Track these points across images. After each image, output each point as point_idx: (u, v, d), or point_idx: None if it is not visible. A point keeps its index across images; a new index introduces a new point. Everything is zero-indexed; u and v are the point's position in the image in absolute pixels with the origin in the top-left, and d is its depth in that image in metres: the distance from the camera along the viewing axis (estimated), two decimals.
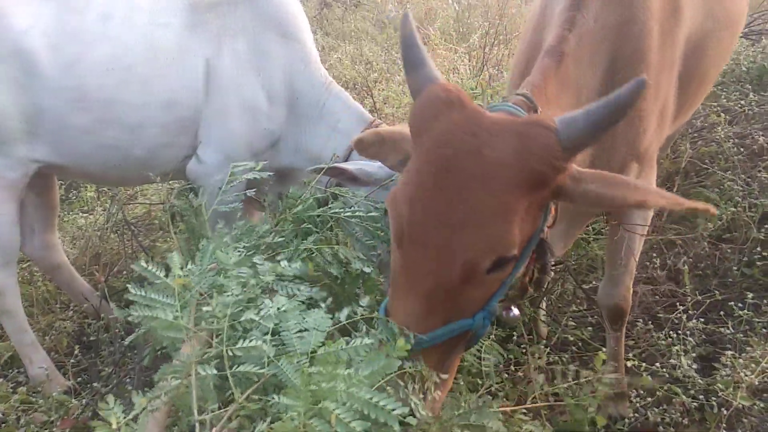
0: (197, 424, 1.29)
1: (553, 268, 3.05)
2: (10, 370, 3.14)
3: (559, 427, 2.55)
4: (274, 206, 2.35)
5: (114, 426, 1.22)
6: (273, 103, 2.90)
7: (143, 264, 1.54)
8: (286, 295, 1.49)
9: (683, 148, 3.56)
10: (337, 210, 1.97)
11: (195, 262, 1.61)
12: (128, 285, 1.56)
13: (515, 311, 1.82)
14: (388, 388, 1.23)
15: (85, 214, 4.44)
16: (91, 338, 3.30)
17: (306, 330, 1.33)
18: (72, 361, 3.12)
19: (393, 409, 1.15)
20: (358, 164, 2.63)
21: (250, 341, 1.32)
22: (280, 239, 1.86)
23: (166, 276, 1.55)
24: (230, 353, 1.35)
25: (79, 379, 3.08)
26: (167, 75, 2.78)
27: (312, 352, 1.28)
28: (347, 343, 1.28)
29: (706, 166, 3.54)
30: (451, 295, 1.43)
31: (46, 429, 2.65)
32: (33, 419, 2.70)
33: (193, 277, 1.52)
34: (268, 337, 1.32)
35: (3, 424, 2.69)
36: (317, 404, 1.18)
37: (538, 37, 2.06)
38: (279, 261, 1.65)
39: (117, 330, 3.08)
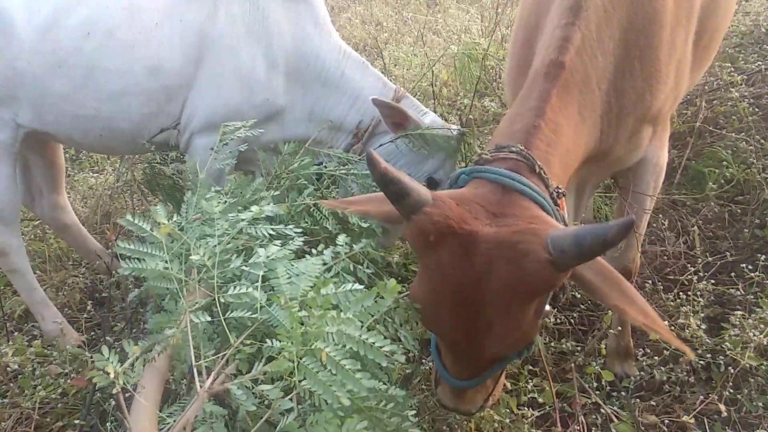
0: (194, 370, 1.31)
1: None
2: (25, 324, 3.20)
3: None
4: (268, 163, 2.32)
5: (111, 375, 1.23)
6: (274, 72, 2.68)
7: (129, 218, 1.54)
8: (272, 240, 1.49)
9: (698, 107, 3.50)
10: (333, 167, 1.96)
11: (180, 214, 1.62)
12: (117, 241, 1.57)
13: (546, 307, 1.90)
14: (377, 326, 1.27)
15: (95, 174, 4.46)
16: (104, 294, 3.35)
17: (296, 275, 1.33)
18: (85, 316, 3.18)
19: (381, 347, 1.18)
20: (416, 114, 2.64)
21: (241, 288, 1.34)
22: (275, 193, 1.86)
23: (153, 230, 1.56)
24: (222, 300, 1.36)
25: (92, 333, 3.14)
26: (152, 40, 2.60)
27: (302, 296, 1.29)
28: (336, 287, 1.29)
29: (720, 127, 3.48)
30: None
31: (60, 380, 2.70)
32: (48, 371, 2.76)
33: (178, 228, 1.53)
34: (259, 284, 1.33)
35: (20, 375, 2.76)
36: (309, 345, 1.20)
37: (531, 51, 2.01)
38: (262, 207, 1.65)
39: (128, 286, 3.11)
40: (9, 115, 2.68)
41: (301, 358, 1.20)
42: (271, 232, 1.58)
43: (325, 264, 1.43)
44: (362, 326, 1.20)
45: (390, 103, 2.59)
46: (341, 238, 1.51)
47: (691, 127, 3.48)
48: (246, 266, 1.41)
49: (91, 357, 2.76)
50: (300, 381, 1.20)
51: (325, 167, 2.10)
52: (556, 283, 1.49)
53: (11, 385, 2.72)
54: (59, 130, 2.78)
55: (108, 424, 2.37)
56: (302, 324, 1.21)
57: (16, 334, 3.04)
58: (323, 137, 2.74)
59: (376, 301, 1.19)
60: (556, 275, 1.44)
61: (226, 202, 1.67)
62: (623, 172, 2.35)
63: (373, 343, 1.18)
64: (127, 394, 1.41)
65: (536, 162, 1.63)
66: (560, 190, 1.66)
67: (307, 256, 1.42)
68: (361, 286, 1.26)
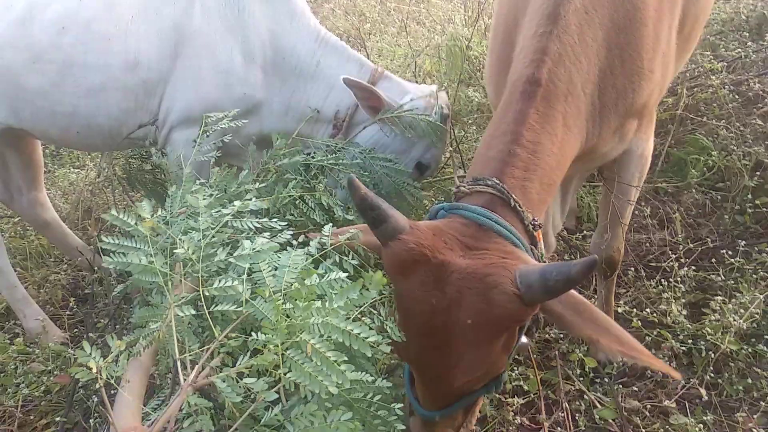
0: (178, 363, 1.30)
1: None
2: (7, 322, 3.16)
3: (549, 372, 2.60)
4: (255, 156, 2.29)
5: (94, 370, 1.22)
6: (251, 66, 2.64)
7: (114, 213, 1.52)
8: (261, 235, 1.48)
9: (679, 94, 3.53)
10: (321, 158, 1.95)
11: (165, 208, 1.61)
12: (101, 236, 1.55)
13: (523, 339, 1.93)
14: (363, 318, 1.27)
15: (76, 170, 4.41)
16: (86, 291, 3.32)
17: (280, 267, 1.33)
18: (67, 313, 3.16)
19: (366, 337, 1.19)
20: (390, 96, 2.56)
21: (226, 282, 1.33)
22: (262, 186, 1.85)
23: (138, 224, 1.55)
24: (207, 294, 1.35)
25: (75, 330, 3.11)
26: (129, 33, 2.56)
27: (286, 289, 1.28)
28: (321, 277, 1.29)
29: (701, 114, 3.51)
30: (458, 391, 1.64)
31: (43, 377, 2.68)
32: (31, 369, 2.74)
33: (162, 222, 1.52)
34: (244, 277, 1.32)
35: (2, 373, 2.73)
36: (294, 337, 1.20)
37: (511, 48, 1.99)
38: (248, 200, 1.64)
39: (111, 283, 3.08)
40: None
41: (286, 350, 1.20)
42: (257, 225, 1.57)
43: (310, 255, 1.43)
44: (348, 317, 1.20)
45: (359, 82, 2.50)
46: (327, 228, 1.51)
47: (672, 115, 3.51)
48: (231, 259, 1.41)
49: (74, 354, 2.74)
50: (285, 373, 1.20)
51: (312, 157, 2.08)
52: (524, 318, 1.51)
53: None
54: (36, 127, 2.74)
55: (91, 420, 2.37)
56: (287, 316, 1.21)
57: None
58: (304, 129, 2.70)
59: (361, 293, 1.18)
60: (524, 309, 1.45)
61: (212, 195, 1.65)
62: (608, 164, 2.35)
63: (359, 333, 1.18)
64: (112, 391, 1.41)
65: (511, 196, 1.62)
66: (536, 222, 1.65)
67: (289, 248, 1.41)
68: (346, 275, 1.26)
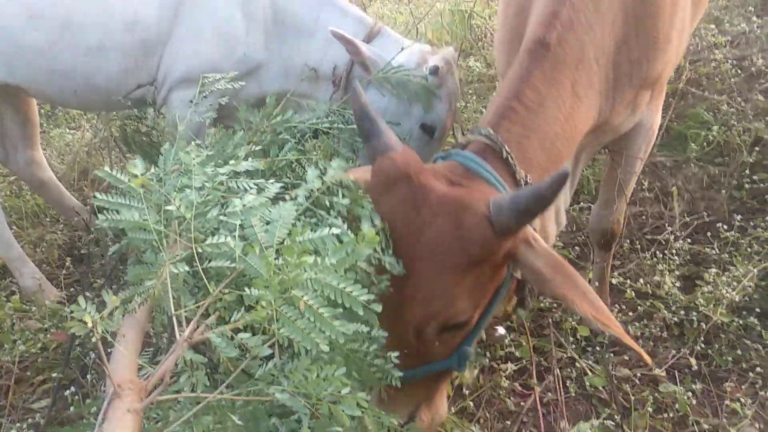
0: (174, 318, 1.31)
1: None
2: (3, 280, 3.17)
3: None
4: (249, 117, 2.26)
5: (89, 324, 1.22)
6: (252, 26, 2.59)
7: (107, 169, 1.51)
8: (250, 191, 1.47)
9: (682, 68, 3.50)
10: (315, 121, 1.92)
11: (158, 166, 1.60)
12: (95, 194, 1.54)
13: (501, 331, 1.93)
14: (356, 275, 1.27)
15: (72, 131, 4.37)
16: (82, 251, 3.33)
17: (272, 222, 1.33)
18: (64, 273, 3.16)
19: (359, 295, 1.19)
20: (376, 51, 2.45)
21: (218, 238, 1.33)
22: (257, 148, 1.84)
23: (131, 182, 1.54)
24: (200, 251, 1.35)
25: (72, 290, 3.12)
26: None
27: (278, 244, 1.28)
28: (313, 231, 1.29)
29: (702, 88, 3.49)
30: (420, 346, 1.55)
31: (40, 335, 2.70)
32: (27, 326, 2.75)
33: (155, 180, 1.52)
34: (237, 232, 1.32)
35: None
36: (286, 293, 1.20)
37: (524, 20, 1.92)
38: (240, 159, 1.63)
39: (108, 243, 3.08)
40: None
41: (279, 307, 1.20)
42: (252, 186, 1.56)
43: (300, 206, 1.42)
44: (340, 274, 1.20)
45: (343, 35, 2.41)
46: (311, 173, 1.49)
47: (674, 89, 3.49)
48: (222, 217, 1.40)
49: (70, 312, 2.75)
50: (279, 329, 1.21)
51: (308, 120, 2.05)
52: (494, 250, 1.45)
53: None
54: (32, 86, 2.71)
55: (88, 376, 2.39)
56: (279, 271, 1.21)
57: None
58: (305, 90, 2.67)
59: (354, 250, 1.18)
60: (494, 238, 1.43)
61: (204, 153, 1.64)
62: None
63: (350, 292, 1.18)
64: (109, 350, 1.42)
65: (503, 147, 1.60)
66: (530, 181, 1.62)
67: (281, 202, 1.40)
68: (338, 230, 1.25)
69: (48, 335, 2.71)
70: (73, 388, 2.36)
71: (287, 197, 1.49)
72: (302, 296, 1.17)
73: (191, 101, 2.16)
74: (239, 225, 1.32)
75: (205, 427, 1.35)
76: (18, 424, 2.34)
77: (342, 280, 1.19)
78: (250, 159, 1.60)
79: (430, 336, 1.54)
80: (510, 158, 1.60)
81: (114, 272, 2.90)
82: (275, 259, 1.24)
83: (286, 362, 1.24)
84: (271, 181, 1.66)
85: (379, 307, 1.22)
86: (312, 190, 1.45)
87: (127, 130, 2.61)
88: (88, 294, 2.82)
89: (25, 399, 2.56)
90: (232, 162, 1.56)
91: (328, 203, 1.45)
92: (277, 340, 1.21)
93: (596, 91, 1.81)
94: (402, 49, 2.54)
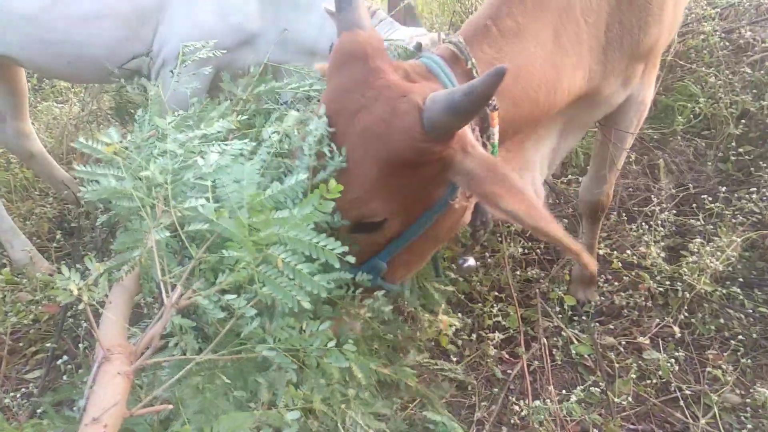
0: (161, 285, 1.32)
1: None
2: None
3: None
4: (231, 88, 2.26)
5: (75, 291, 1.24)
6: None
7: (82, 140, 1.52)
8: (219, 150, 1.47)
9: (671, 40, 3.50)
10: (297, 85, 1.91)
11: (134, 132, 1.61)
12: (75, 165, 1.55)
13: (470, 262, 1.86)
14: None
15: (59, 104, 4.34)
16: (72, 224, 3.33)
17: (239, 182, 1.33)
18: (54, 245, 3.17)
19: (333, 248, 1.20)
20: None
21: (191, 202, 1.34)
22: (243, 118, 1.83)
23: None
24: (179, 215, 1.36)
25: (63, 262, 3.12)
26: None
27: (248, 203, 1.28)
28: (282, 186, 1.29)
29: (691, 61, 3.50)
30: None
31: (32, 307, 2.71)
32: (18, 298, 2.77)
33: (133, 147, 1.52)
34: (209, 194, 1.32)
35: None
36: (263, 252, 1.22)
37: None
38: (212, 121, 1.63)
39: (98, 216, 3.08)
40: None
41: (257, 266, 1.22)
42: (224, 147, 1.56)
43: (264, 162, 1.43)
44: (310, 228, 1.21)
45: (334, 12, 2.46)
46: (265, 132, 1.49)
47: (662, 61, 3.49)
48: (192, 179, 1.41)
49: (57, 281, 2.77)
50: (261, 288, 1.23)
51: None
52: (422, 150, 1.37)
53: None
54: (23, 55, 2.68)
55: (81, 345, 2.41)
56: (256, 230, 1.22)
57: None
58: (302, 66, 2.68)
59: (321, 203, 1.18)
60: (422, 135, 1.35)
61: (179, 116, 1.65)
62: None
63: (325, 245, 1.19)
64: (98, 318, 1.43)
65: (470, 58, 1.55)
66: (493, 102, 1.55)
67: (242, 160, 1.41)
68: (303, 176, 1.26)
69: (40, 307, 2.73)
70: (65, 357, 2.38)
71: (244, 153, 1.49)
72: (278, 255, 1.19)
73: (171, 71, 2.15)
74: (210, 186, 1.33)
75: (194, 387, 1.38)
76: (12, 394, 2.37)
77: (314, 235, 1.20)
78: (220, 121, 1.59)
79: (343, 228, 1.46)
80: (474, 70, 1.55)
81: (104, 244, 2.91)
82: (248, 218, 1.24)
83: (271, 321, 1.26)
84: (235, 140, 1.66)
85: (353, 259, 1.23)
86: (271, 145, 1.46)
87: (120, 100, 2.60)
88: (78, 266, 2.83)
89: (18, 370, 2.58)
90: (203, 125, 1.57)
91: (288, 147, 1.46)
92: (259, 299, 1.24)
93: (585, 50, 1.78)
94: (397, 29, 2.59)
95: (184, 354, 1.43)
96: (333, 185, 1.17)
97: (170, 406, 1.27)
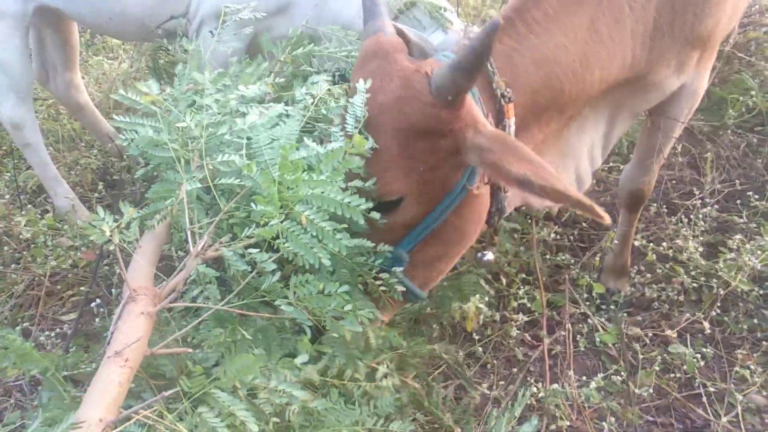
0: (188, 233, 1.35)
1: None
2: (38, 198, 3.29)
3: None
4: (271, 48, 2.26)
5: (107, 232, 1.28)
6: None
7: (122, 92, 1.56)
8: (258, 113, 1.50)
9: (731, 30, 3.35)
10: (333, 50, 1.92)
11: (174, 86, 1.64)
12: (113, 115, 1.60)
13: (489, 255, 1.90)
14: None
15: (110, 61, 4.43)
16: (115, 177, 3.42)
17: (276, 140, 1.36)
18: (96, 196, 3.27)
19: (357, 205, 1.21)
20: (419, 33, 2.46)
21: (226, 156, 1.38)
22: (280, 80, 1.85)
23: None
24: (211, 167, 1.39)
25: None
26: None
27: (282, 161, 1.31)
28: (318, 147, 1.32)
29: (750, 54, 3.35)
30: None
31: (71, 252, 2.81)
32: (59, 243, 2.87)
33: (171, 100, 1.56)
34: (244, 151, 1.36)
35: (33, 245, 2.87)
36: (289, 209, 1.24)
37: None
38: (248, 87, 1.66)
39: (138, 170, 3.16)
40: None
41: (282, 222, 1.24)
42: (263, 110, 1.58)
43: (299, 121, 1.45)
44: (338, 186, 1.23)
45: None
46: (298, 92, 1.51)
47: (720, 52, 3.35)
48: (227, 136, 1.44)
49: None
50: (284, 244, 1.24)
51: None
52: (434, 118, 1.41)
53: (24, 253, 2.84)
54: (69, 8, 2.77)
55: (113, 290, 2.50)
56: (284, 187, 1.24)
57: (29, 206, 3.14)
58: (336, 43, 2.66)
59: (345, 159, 1.20)
60: (433, 104, 1.40)
61: (216, 72, 1.68)
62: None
63: (349, 203, 1.20)
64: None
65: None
66: (508, 94, 1.57)
67: (284, 119, 1.43)
68: (338, 145, 1.27)
69: (79, 253, 2.83)
70: (98, 301, 2.46)
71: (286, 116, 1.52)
72: (303, 212, 1.20)
73: (210, 32, 2.18)
74: (246, 144, 1.35)
75: (216, 339, 1.42)
76: (46, 333, 2.47)
77: (339, 192, 1.22)
78: (258, 84, 1.61)
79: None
80: (489, 65, 1.55)
81: (142, 198, 2.98)
82: (280, 175, 1.26)
83: (290, 275, 1.28)
84: (271, 104, 1.68)
85: (377, 215, 1.25)
86: (305, 107, 1.48)
87: (156, 57, 2.64)
88: (117, 217, 2.92)
89: (55, 311, 2.69)
90: (241, 87, 1.59)
91: (325, 112, 1.48)
92: (281, 254, 1.26)
93: (627, 34, 1.72)
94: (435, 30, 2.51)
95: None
96: (357, 139, 1.18)
97: (189, 350, 1.31)
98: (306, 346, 1.28)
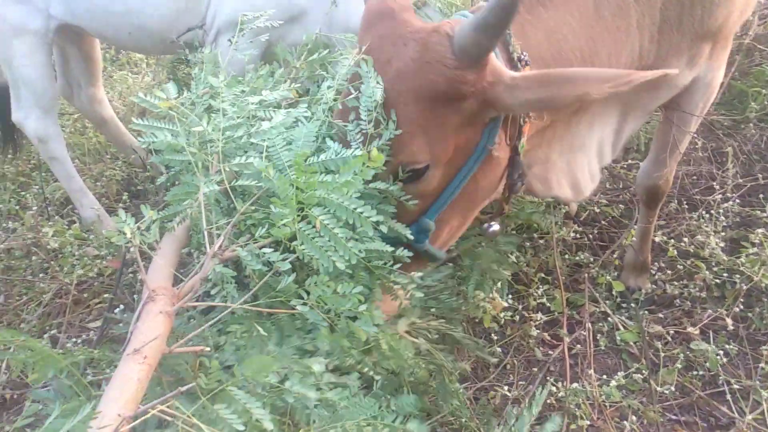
0: (205, 234, 1.39)
1: None
2: (65, 209, 3.38)
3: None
4: (287, 55, 2.30)
5: (128, 234, 1.32)
6: None
7: (141, 95, 1.60)
8: (283, 114, 1.53)
9: (750, 22, 3.31)
10: (347, 55, 1.94)
11: (191, 90, 1.67)
12: (132, 119, 1.64)
13: (495, 226, 1.87)
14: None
15: (134, 75, 4.55)
16: (139, 188, 3.50)
17: (293, 142, 1.38)
18: (121, 206, 3.34)
19: (368, 216, 1.23)
20: None
21: (244, 159, 1.40)
22: (296, 85, 1.89)
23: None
24: (228, 170, 1.42)
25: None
26: None
27: (298, 163, 1.33)
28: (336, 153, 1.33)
29: None
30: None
31: (97, 261, 2.88)
32: (85, 252, 2.94)
33: (188, 104, 1.59)
34: (264, 153, 1.38)
35: (60, 255, 2.95)
36: (304, 212, 1.26)
37: None
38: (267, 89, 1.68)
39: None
40: (42, 4, 2.76)
41: (298, 224, 1.26)
42: (283, 113, 1.62)
43: (320, 121, 1.47)
44: (352, 195, 1.24)
45: None
46: (324, 86, 1.53)
47: (739, 44, 3.31)
48: (251, 138, 1.47)
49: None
50: (300, 246, 1.27)
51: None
52: (456, 79, 1.37)
53: (52, 263, 2.92)
54: (91, 26, 2.86)
55: (136, 297, 2.55)
56: (300, 190, 1.26)
57: (56, 218, 3.23)
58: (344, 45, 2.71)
59: (362, 169, 1.21)
60: (456, 65, 1.36)
61: (230, 75, 1.71)
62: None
63: (361, 212, 1.22)
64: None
65: None
66: (524, 57, 1.53)
67: (302, 120, 1.46)
68: (358, 151, 1.29)
69: (104, 262, 2.89)
70: (122, 306, 2.52)
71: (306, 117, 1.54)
72: (318, 215, 1.23)
73: (228, 40, 2.23)
74: (265, 146, 1.38)
75: (233, 334, 1.45)
76: (73, 339, 2.54)
77: (353, 201, 1.23)
78: (281, 87, 1.65)
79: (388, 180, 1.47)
80: (508, 32, 1.52)
81: (165, 206, 3.04)
82: (297, 178, 1.29)
83: (305, 275, 1.31)
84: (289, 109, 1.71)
85: (384, 228, 1.26)
86: (327, 103, 1.49)
87: (177, 72, 2.71)
88: (140, 225, 2.98)
89: (82, 319, 2.76)
90: (265, 93, 1.62)
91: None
92: (297, 256, 1.28)
93: (633, 24, 1.71)
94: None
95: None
96: (375, 154, 1.20)
97: (207, 349, 1.34)
98: (325, 338, 1.30)
